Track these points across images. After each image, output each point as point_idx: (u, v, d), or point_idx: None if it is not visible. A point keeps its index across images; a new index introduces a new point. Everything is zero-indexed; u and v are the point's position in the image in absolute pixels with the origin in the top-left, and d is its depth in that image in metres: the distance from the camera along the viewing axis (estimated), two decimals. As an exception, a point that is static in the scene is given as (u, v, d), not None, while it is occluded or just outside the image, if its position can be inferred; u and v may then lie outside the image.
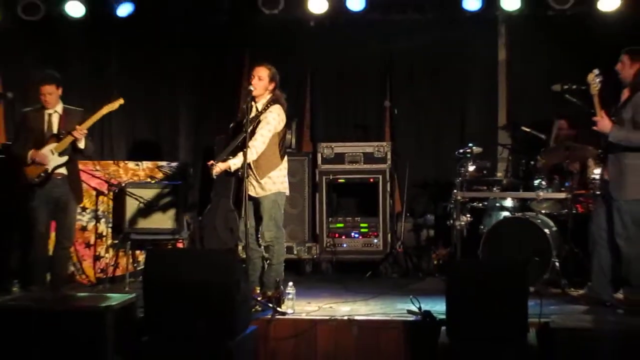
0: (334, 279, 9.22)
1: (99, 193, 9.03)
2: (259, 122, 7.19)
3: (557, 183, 8.55)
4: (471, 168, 8.93)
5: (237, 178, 7.28)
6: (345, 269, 9.63)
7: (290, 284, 7.02)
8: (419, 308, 6.72)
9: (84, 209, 8.88)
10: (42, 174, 7.78)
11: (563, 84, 8.24)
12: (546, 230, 8.11)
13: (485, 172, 9.13)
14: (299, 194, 9.65)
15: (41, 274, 7.92)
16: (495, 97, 10.30)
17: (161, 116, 10.67)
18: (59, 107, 7.96)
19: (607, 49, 7.84)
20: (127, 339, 6.09)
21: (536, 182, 8.62)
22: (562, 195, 8.39)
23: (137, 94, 10.21)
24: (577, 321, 6.51)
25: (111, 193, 9.03)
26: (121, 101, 8.01)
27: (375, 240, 9.68)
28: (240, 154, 7.02)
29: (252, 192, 7.24)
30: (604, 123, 6.97)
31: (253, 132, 7.11)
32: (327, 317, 6.77)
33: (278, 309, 6.89)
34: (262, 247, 7.34)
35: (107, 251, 9.08)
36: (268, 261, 7.35)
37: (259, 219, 7.32)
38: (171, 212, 8.94)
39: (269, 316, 6.77)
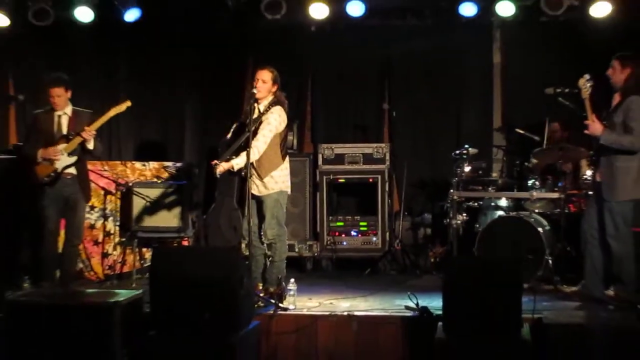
0: (334, 276, 9.23)
1: (107, 192, 9.04)
2: (261, 122, 7.19)
3: (550, 183, 8.55)
4: (467, 168, 8.94)
5: (241, 178, 7.29)
6: (345, 266, 9.64)
7: (292, 280, 7.02)
8: (417, 304, 6.72)
9: (92, 207, 8.89)
10: (52, 174, 7.79)
11: (556, 87, 8.25)
12: (539, 229, 8.11)
13: (480, 172, 9.14)
14: (301, 194, 9.65)
15: (51, 271, 7.93)
16: (491, 100, 10.30)
17: (167, 118, 10.67)
18: (69, 109, 7.97)
19: (599, 54, 7.85)
20: (134, 334, 6.09)
21: (530, 182, 8.63)
22: (555, 195, 8.40)
23: (144, 96, 10.20)
24: (569, 317, 6.54)
25: (119, 192, 9.04)
26: (128, 103, 8.01)
27: (374, 239, 9.68)
28: (243, 154, 7.03)
29: (255, 191, 7.24)
30: (595, 126, 6.97)
31: (255, 133, 7.12)
32: (328, 313, 6.77)
33: (280, 304, 6.87)
34: (265, 245, 7.35)
35: (114, 248, 9.08)
36: (270, 258, 7.35)
37: (261, 217, 7.32)
38: (177, 211, 8.95)
39: (271, 312, 6.76)
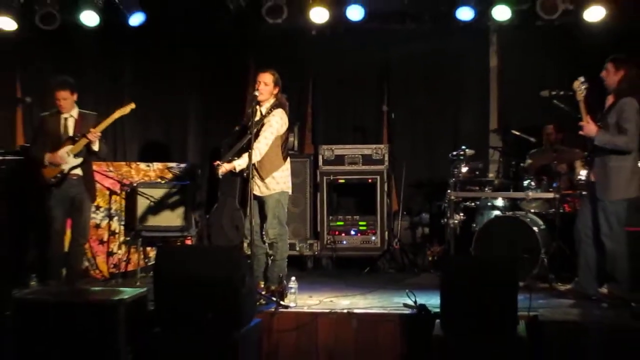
0: (334, 274, 9.25)
1: (112, 192, 9.03)
2: (263, 125, 7.19)
3: (546, 184, 8.55)
4: (464, 169, 8.94)
5: (243, 178, 7.29)
6: (344, 265, 9.64)
7: (293, 278, 7.02)
8: (415, 302, 6.72)
9: (97, 207, 8.88)
10: (58, 175, 7.80)
11: (551, 90, 8.23)
12: (535, 229, 8.11)
13: (477, 173, 9.15)
14: (301, 194, 9.66)
15: (57, 269, 7.93)
16: (487, 102, 10.31)
17: (171, 120, 10.68)
18: (75, 112, 7.97)
19: (593, 57, 7.84)
20: (139, 331, 6.08)
21: (525, 182, 8.64)
22: (550, 195, 8.39)
23: (148, 99, 10.19)
24: (564, 314, 6.55)
25: (123, 192, 9.02)
26: (133, 106, 8.01)
27: (374, 238, 9.68)
28: (245, 155, 7.03)
29: (257, 192, 7.24)
30: (589, 127, 6.98)
31: (257, 135, 7.12)
32: (328, 311, 6.77)
33: (281, 302, 6.88)
34: (266, 244, 7.35)
35: (119, 247, 9.07)
36: (272, 257, 7.34)
37: (263, 217, 7.32)
38: (180, 211, 8.95)
39: (273, 309, 6.76)
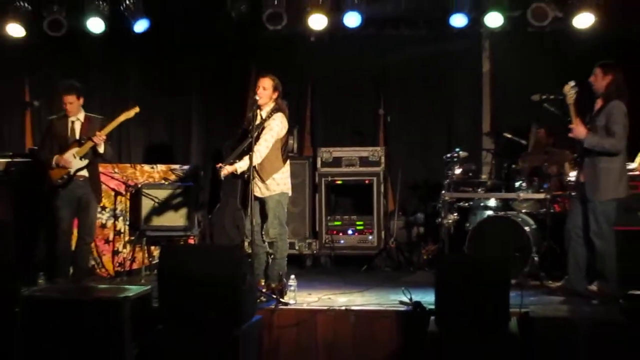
0: (332, 272, 9.23)
1: (117, 193, 9.02)
2: (263, 128, 7.19)
3: (537, 184, 8.54)
4: (458, 171, 8.94)
5: (244, 180, 7.30)
6: (342, 263, 9.63)
7: (292, 276, 7.01)
8: (410, 299, 6.72)
9: (103, 208, 8.88)
10: (65, 176, 7.80)
11: (542, 94, 8.24)
12: (526, 228, 8.11)
13: (470, 174, 9.15)
14: (301, 195, 9.65)
15: (65, 268, 7.92)
16: (480, 106, 10.30)
17: (174, 123, 10.67)
18: (81, 115, 7.98)
19: (582, 63, 7.84)
20: (143, 327, 6.08)
21: (517, 183, 8.63)
22: (541, 196, 8.39)
23: (153, 103, 10.19)
24: (554, 311, 6.53)
25: (128, 193, 9.02)
26: (137, 110, 8.00)
27: (370, 237, 9.68)
28: (246, 158, 7.04)
29: (257, 193, 7.24)
30: (579, 130, 6.98)
31: (258, 138, 7.12)
32: (326, 307, 6.76)
33: (281, 299, 6.87)
34: (266, 243, 7.35)
35: (124, 247, 9.06)
36: (272, 256, 7.35)
37: (264, 217, 7.32)
38: (183, 211, 8.96)
39: (273, 306, 6.75)
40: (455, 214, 9.00)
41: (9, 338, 6.16)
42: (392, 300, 7.06)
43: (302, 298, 7.07)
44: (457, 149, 9.01)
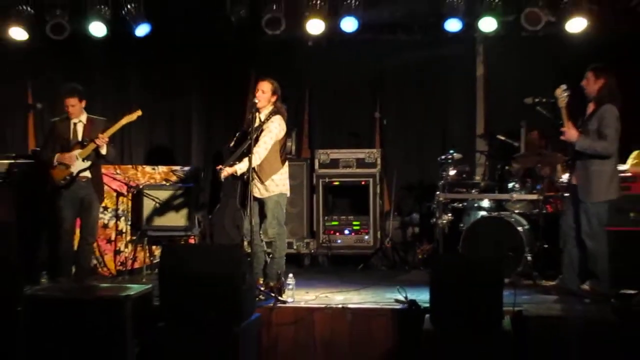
0: (329, 271, 9.23)
1: (119, 194, 9.01)
2: (262, 130, 7.19)
3: (529, 186, 8.55)
4: (452, 172, 8.94)
5: (243, 181, 7.29)
6: (339, 262, 9.63)
7: (291, 275, 7.01)
8: (406, 297, 6.71)
9: (105, 208, 8.86)
10: (67, 177, 7.79)
11: (534, 97, 8.23)
12: (519, 228, 8.11)
13: (464, 175, 9.15)
14: (299, 195, 9.64)
15: (67, 267, 7.91)
16: (474, 108, 10.30)
17: (175, 125, 10.67)
18: (83, 117, 7.96)
19: (575, 66, 7.86)
20: (145, 325, 6.08)
21: (510, 185, 8.63)
22: (534, 197, 8.39)
23: (154, 105, 10.19)
24: (547, 309, 6.54)
25: (130, 194, 9.01)
26: (139, 113, 8.00)
27: (367, 237, 9.68)
28: (246, 160, 7.04)
29: (257, 194, 7.24)
30: (571, 133, 6.97)
31: (257, 140, 7.12)
32: (324, 305, 6.76)
33: (279, 298, 6.87)
34: (264, 242, 7.35)
35: (126, 246, 9.05)
36: (271, 255, 7.34)
37: (263, 217, 7.32)
38: (184, 211, 8.96)
39: (272, 304, 6.76)
40: (450, 215, 8.99)
41: (11, 336, 6.16)
42: (387, 298, 7.06)
43: (300, 296, 7.08)
44: (452, 151, 9.01)
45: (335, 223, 9.78)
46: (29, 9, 9.13)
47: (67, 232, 7.89)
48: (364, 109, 10.49)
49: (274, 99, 7.30)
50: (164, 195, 8.96)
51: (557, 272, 7.43)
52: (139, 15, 9.21)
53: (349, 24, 9.12)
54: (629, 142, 7.45)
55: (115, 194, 8.98)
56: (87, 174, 7.87)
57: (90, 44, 9.54)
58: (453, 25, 9.12)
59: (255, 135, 7.10)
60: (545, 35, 9.14)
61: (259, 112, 7.28)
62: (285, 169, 7.37)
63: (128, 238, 9.05)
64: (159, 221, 8.92)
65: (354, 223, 9.75)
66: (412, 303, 6.56)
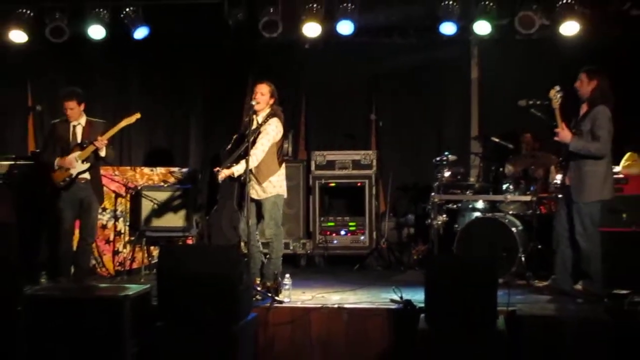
0: (325, 271, 9.24)
1: (118, 195, 9.00)
2: (259, 133, 7.19)
3: (523, 187, 8.56)
4: (447, 174, 8.95)
5: (240, 183, 7.29)
6: (335, 263, 9.63)
7: (287, 275, 7.01)
8: (401, 297, 6.71)
9: (104, 209, 8.85)
10: (67, 179, 7.78)
11: (528, 99, 8.21)
12: (513, 229, 8.11)
13: (459, 177, 9.16)
14: (295, 197, 9.64)
15: (67, 267, 7.90)
16: (469, 111, 10.31)
17: (173, 127, 10.64)
18: (83, 120, 7.95)
19: (568, 69, 7.85)
20: (143, 325, 6.08)
21: (504, 186, 8.65)
22: (528, 198, 8.40)
23: (153, 108, 10.19)
24: (541, 309, 6.55)
25: (129, 195, 9.00)
26: (138, 115, 7.99)
27: (362, 237, 9.68)
28: (243, 162, 7.04)
29: (254, 195, 7.23)
30: (564, 134, 6.98)
31: (254, 142, 7.11)
32: (320, 305, 6.76)
33: (276, 298, 6.87)
34: (260, 243, 7.34)
35: (124, 247, 9.04)
36: (267, 256, 7.34)
37: (260, 218, 7.31)
38: (182, 212, 8.95)
39: (268, 304, 6.75)
40: (445, 216, 9.00)
41: (11, 336, 6.15)
42: (383, 298, 7.06)
43: (296, 296, 7.07)
44: (446, 153, 9.02)
45: (332, 224, 9.78)
46: (28, 12, 9.10)
47: (66, 233, 7.89)
48: (360, 111, 10.50)
49: (271, 101, 7.30)
50: (162, 196, 8.95)
51: (550, 273, 7.43)
52: (138, 19, 9.18)
53: (345, 27, 9.10)
54: (621, 144, 7.45)
55: (113, 195, 8.97)
56: (87, 175, 7.87)
57: (90, 46, 9.49)
58: (448, 28, 9.09)
59: (252, 138, 7.10)
60: (539, 39, 9.13)
61: (257, 115, 7.28)
62: (282, 171, 7.37)
63: (126, 238, 9.03)
64: (157, 222, 8.91)
65: (350, 224, 9.75)
66: (408, 303, 6.56)
